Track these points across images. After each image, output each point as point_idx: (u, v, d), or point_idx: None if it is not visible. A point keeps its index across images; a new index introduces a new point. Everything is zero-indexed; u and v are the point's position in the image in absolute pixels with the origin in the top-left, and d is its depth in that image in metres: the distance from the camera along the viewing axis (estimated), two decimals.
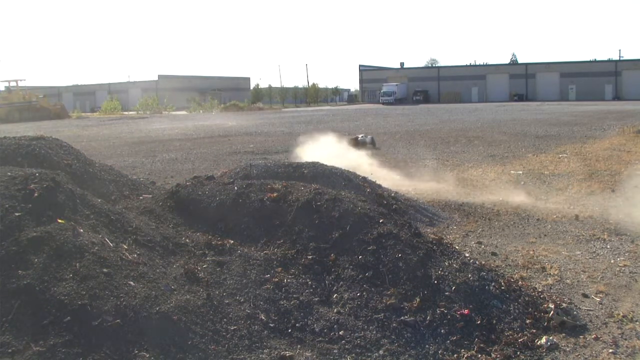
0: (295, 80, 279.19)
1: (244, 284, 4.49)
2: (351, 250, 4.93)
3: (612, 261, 6.36)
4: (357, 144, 17.54)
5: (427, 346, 4.14)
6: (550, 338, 4.36)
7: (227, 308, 4.15)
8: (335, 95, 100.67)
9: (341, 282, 4.68)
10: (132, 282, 3.95)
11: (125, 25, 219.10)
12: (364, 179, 9.06)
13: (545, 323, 4.59)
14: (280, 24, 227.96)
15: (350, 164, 10.67)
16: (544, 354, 4.21)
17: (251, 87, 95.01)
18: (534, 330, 4.48)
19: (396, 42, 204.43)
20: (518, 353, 4.20)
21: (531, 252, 6.74)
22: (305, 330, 4.18)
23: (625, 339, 4.41)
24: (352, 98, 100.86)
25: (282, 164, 9.06)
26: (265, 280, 4.59)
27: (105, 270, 3.94)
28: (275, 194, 5.61)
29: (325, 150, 13.94)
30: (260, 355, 3.82)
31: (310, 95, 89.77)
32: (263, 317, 4.17)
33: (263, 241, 5.23)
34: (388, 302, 4.44)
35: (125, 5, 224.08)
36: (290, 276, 4.72)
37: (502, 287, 4.90)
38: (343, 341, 4.11)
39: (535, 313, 4.71)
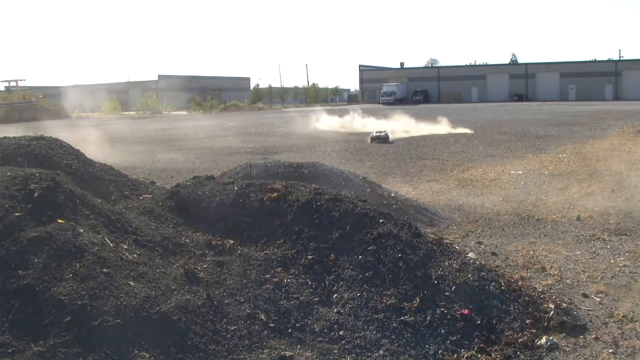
0: (295, 80, 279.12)
1: (244, 284, 4.49)
2: (351, 250, 4.93)
3: (612, 261, 6.36)
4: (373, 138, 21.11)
5: (427, 346, 4.14)
6: (550, 338, 4.36)
7: (227, 308, 4.15)
8: (335, 95, 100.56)
9: (341, 282, 4.68)
10: (132, 282, 3.95)
11: (125, 25, 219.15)
12: (364, 179, 9.07)
13: (545, 323, 4.59)
14: (280, 24, 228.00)
15: None
16: (544, 354, 4.21)
17: (251, 87, 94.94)
18: (534, 330, 4.48)
19: (396, 42, 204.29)
20: (518, 353, 4.20)
21: (531, 252, 6.74)
22: (305, 330, 4.18)
23: (625, 339, 4.41)
24: (352, 98, 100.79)
25: (282, 164, 9.06)
26: (265, 280, 4.59)
27: (105, 270, 3.94)
28: (275, 194, 5.61)
29: None
30: (260, 355, 3.82)
31: (310, 95, 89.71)
32: (263, 317, 4.17)
33: (263, 241, 5.22)
34: (388, 302, 4.44)
35: (125, 5, 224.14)
36: (290, 276, 4.72)
37: (502, 287, 4.90)
38: (343, 341, 4.11)
39: (535, 313, 4.71)
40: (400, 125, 27.50)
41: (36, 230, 4.08)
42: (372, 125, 28.63)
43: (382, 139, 20.68)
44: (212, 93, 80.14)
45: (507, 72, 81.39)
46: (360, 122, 31.44)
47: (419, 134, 24.51)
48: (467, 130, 25.32)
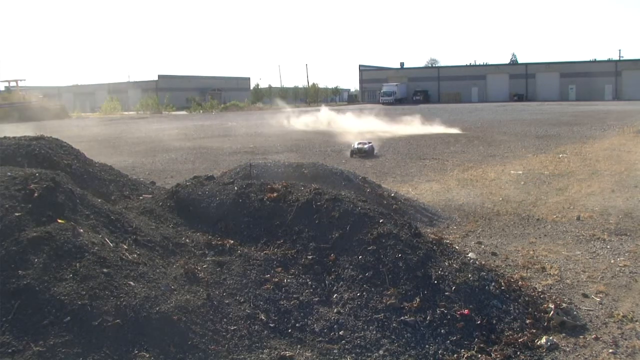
0: (295, 80, 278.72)
1: (244, 284, 4.48)
2: (351, 250, 4.93)
3: (612, 261, 6.36)
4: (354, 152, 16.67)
5: (427, 346, 4.14)
6: (550, 338, 4.36)
7: (227, 308, 4.15)
8: (335, 95, 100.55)
9: (341, 282, 4.68)
10: (132, 282, 3.95)
11: (125, 25, 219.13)
12: (364, 179, 9.07)
13: (545, 323, 4.59)
14: (280, 24, 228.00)
15: None
16: (544, 354, 4.21)
17: (251, 87, 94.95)
18: (534, 330, 4.48)
19: (396, 42, 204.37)
20: (518, 353, 4.20)
21: (531, 252, 6.74)
22: (305, 330, 4.18)
23: (625, 339, 4.41)
24: (352, 98, 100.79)
25: (282, 164, 9.07)
26: (265, 280, 4.59)
27: (105, 270, 3.94)
28: (275, 194, 5.61)
29: None
30: (260, 355, 3.82)
31: (311, 95, 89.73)
32: (263, 317, 4.17)
33: (263, 241, 5.22)
34: (388, 302, 4.44)
35: (125, 5, 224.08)
36: (290, 276, 4.72)
37: (502, 287, 4.90)
38: (343, 341, 4.11)
39: (535, 313, 4.71)
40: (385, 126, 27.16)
41: (36, 230, 4.08)
42: (352, 123, 28.60)
43: (365, 152, 16.30)
44: (212, 93, 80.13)
45: (507, 72, 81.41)
46: (346, 121, 31.42)
47: (405, 134, 24.36)
48: (458, 131, 25.27)
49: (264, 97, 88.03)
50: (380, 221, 5.18)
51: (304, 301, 4.45)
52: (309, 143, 21.56)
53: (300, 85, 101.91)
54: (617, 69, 73.86)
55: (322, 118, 32.74)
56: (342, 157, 16.72)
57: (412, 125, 27.78)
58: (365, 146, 16.51)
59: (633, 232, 7.52)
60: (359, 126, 27.47)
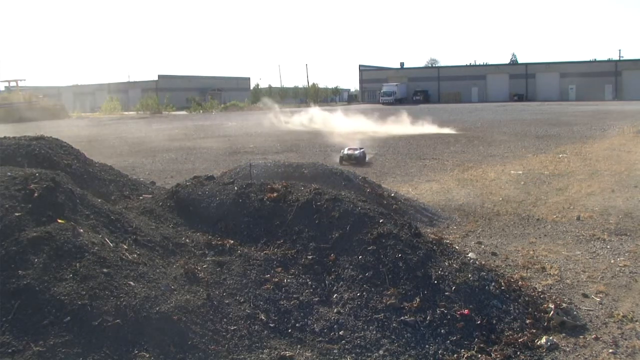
0: (295, 80, 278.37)
1: (244, 284, 4.48)
2: (351, 250, 4.93)
3: (612, 261, 6.36)
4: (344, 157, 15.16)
5: (427, 346, 4.14)
6: (550, 338, 4.36)
7: (227, 308, 4.15)
8: (335, 95, 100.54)
9: (341, 282, 4.68)
10: (132, 282, 3.95)
11: (125, 25, 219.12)
12: (364, 179, 9.07)
13: (545, 323, 4.59)
14: (280, 24, 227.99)
15: None
16: (544, 354, 4.21)
17: (251, 87, 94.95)
18: (534, 330, 4.48)
19: (396, 42, 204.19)
20: (518, 353, 4.20)
21: (531, 252, 6.74)
22: (305, 330, 4.18)
23: (625, 339, 4.41)
24: (352, 98, 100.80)
25: (282, 164, 9.07)
26: (265, 280, 4.59)
27: (105, 270, 3.94)
28: (275, 194, 5.61)
29: None
30: (260, 355, 3.82)
31: (310, 95, 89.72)
32: (263, 317, 4.17)
33: (263, 241, 5.22)
34: (388, 302, 4.44)
35: (125, 5, 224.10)
36: (290, 276, 4.72)
37: (502, 287, 4.90)
38: (343, 341, 4.11)
39: (535, 313, 4.71)
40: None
41: (36, 230, 4.08)
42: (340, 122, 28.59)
43: (355, 158, 14.91)
44: (212, 93, 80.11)
45: (507, 72, 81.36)
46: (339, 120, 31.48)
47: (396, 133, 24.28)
48: (454, 131, 25.23)
49: (264, 97, 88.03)
50: (380, 221, 5.18)
51: (304, 301, 4.45)
52: (308, 143, 21.57)
53: (301, 85, 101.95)
54: (617, 69, 73.83)
55: (317, 118, 32.88)
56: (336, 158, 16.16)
57: (403, 125, 27.79)
58: (356, 152, 15.18)
59: (633, 232, 7.53)
60: (353, 126, 27.47)
